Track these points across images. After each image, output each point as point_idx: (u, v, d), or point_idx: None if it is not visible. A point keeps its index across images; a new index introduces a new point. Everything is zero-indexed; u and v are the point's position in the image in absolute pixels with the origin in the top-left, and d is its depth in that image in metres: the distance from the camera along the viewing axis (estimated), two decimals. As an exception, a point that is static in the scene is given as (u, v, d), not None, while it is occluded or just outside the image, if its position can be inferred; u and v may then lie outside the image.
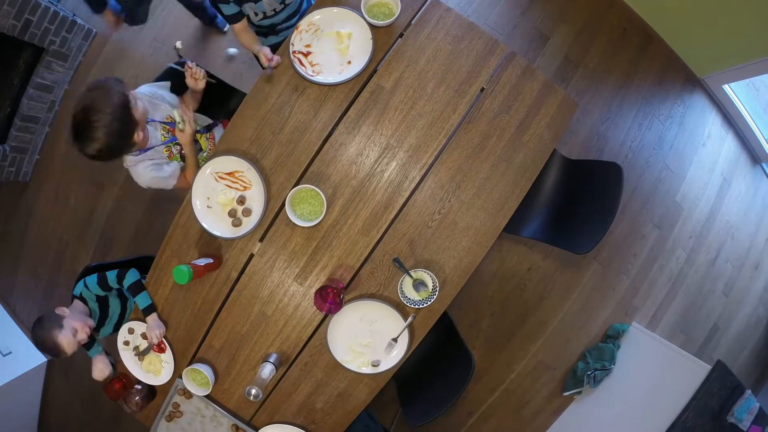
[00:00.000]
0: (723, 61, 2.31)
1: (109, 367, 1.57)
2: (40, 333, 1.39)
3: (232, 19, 1.48)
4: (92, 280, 1.54)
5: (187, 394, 1.58)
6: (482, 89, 1.46)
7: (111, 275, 1.53)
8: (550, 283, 2.45)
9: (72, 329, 1.41)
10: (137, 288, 1.52)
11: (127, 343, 1.59)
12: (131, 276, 1.52)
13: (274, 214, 1.47)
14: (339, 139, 1.46)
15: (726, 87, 2.44)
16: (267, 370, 1.43)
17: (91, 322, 1.49)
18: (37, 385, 2.64)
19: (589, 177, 1.70)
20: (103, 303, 1.61)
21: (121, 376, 1.62)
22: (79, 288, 1.55)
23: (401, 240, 1.46)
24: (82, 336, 1.44)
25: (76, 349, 1.44)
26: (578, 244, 1.55)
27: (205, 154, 1.66)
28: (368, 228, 1.46)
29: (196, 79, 1.50)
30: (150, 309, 1.51)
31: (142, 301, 1.51)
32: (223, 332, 1.54)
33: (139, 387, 1.59)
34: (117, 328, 1.67)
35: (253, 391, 1.36)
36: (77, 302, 1.53)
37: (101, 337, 1.68)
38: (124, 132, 1.29)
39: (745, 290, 2.71)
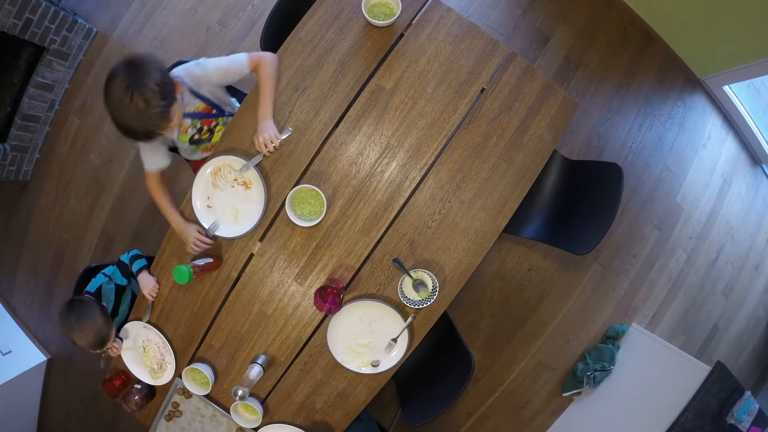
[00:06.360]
0: (723, 62, 2.31)
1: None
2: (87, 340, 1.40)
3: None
4: (112, 270, 1.59)
5: (187, 394, 1.58)
6: (483, 89, 1.46)
7: (124, 257, 1.59)
8: (550, 284, 2.45)
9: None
10: (137, 256, 1.57)
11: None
12: (134, 252, 1.60)
13: (274, 213, 1.47)
14: (339, 139, 1.46)
15: (726, 88, 2.44)
16: (255, 371, 1.43)
17: (120, 343, 1.56)
18: (36, 384, 2.64)
19: (589, 178, 1.69)
20: (118, 298, 1.62)
21: (120, 374, 1.62)
22: (99, 281, 1.57)
23: (401, 240, 1.46)
24: (113, 351, 1.53)
25: None
26: (578, 244, 1.55)
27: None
28: (368, 228, 1.46)
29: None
30: (140, 271, 1.54)
31: (135, 266, 1.55)
32: (223, 332, 1.54)
33: (139, 386, 1.59)
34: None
35: (240, 392, 1.36)
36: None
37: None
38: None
39: (745, 291, 2.71)
